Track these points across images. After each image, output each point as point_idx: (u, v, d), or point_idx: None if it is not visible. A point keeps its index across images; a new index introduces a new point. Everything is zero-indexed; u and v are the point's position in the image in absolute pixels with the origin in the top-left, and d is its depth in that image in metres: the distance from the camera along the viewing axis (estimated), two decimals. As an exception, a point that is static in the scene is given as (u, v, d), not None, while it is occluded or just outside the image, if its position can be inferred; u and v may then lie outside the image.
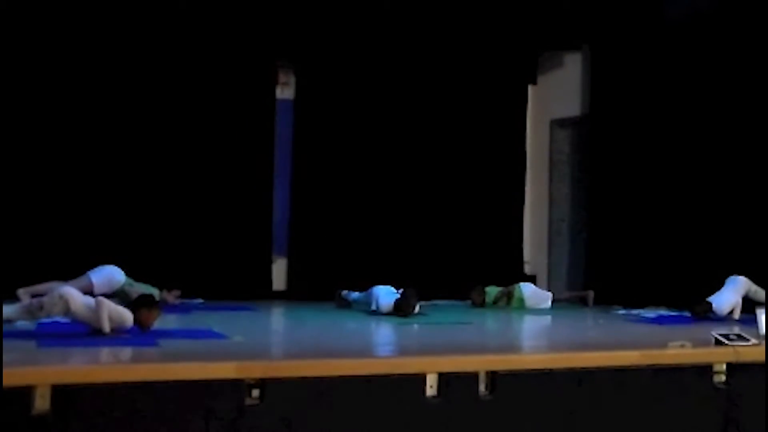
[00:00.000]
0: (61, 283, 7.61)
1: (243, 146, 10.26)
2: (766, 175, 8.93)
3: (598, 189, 10.77)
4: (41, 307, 5.99)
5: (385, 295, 8.54)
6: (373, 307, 8.54)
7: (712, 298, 8.39)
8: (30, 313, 6.01)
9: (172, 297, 8.95)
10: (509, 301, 9.87)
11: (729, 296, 8.42)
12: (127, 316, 6.09)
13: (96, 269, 8.40)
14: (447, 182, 11.07)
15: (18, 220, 9.04)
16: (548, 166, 11.68)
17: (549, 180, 11.67)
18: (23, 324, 6.53)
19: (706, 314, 8.29)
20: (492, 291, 9.94)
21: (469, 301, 9.92)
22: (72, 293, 6.06)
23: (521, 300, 9.85)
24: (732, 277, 8.56)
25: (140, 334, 6.13)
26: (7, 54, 8.93)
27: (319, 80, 10.70)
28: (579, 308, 9.91)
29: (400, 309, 8.29)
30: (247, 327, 7.37)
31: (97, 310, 5.96)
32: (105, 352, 5.46)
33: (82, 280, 8.14)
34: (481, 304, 9.85)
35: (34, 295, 7.44)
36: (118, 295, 7.93)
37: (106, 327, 5.92)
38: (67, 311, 6.02)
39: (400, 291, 8.50)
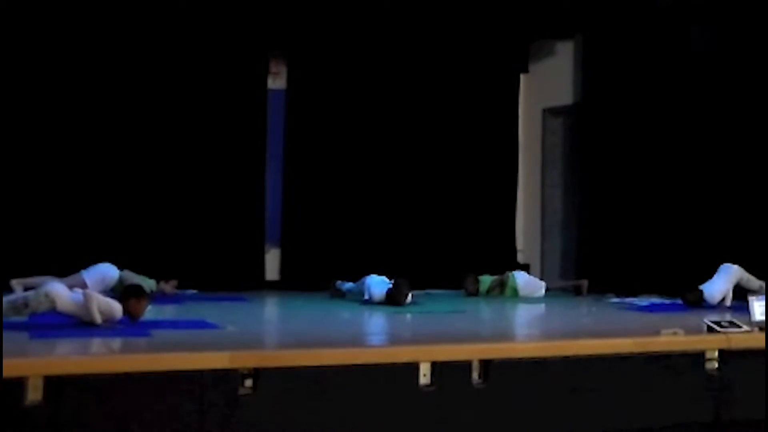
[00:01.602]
0: (55, 278, 7.58)
1: (235, 137, 10.24)
2: (757, 163, 8.95)
3: (590, 177, 10.77)
4: (26, 305, 5.94)
5: (378, 284, 8.55)
6: (366, 297, 8.55)
7: (704, 286, 8.41)
8: (15, 309, 5.96)
9: (170, 287, 8.94)
10: (503, 290, 9.88)
11: (721, 284, 8.43)
12: (116, 307, 6.08)
13: (89, 268, 8.36)
14: (440, 172, 11.06)
15: (15, 213, 9.05)
16: (541, 155, 11.67)
17: (542, 169, 11.67)
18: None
19: (698, 302, 8.31)
20: (485, 280, 9.95)
21: (462, 290, 9.92)
22: (58, 290, 6.00)
23: (515, 289, 9.85)
24: (725, 265, 8.56)
25: (132, 325, 6.12)
26: (4, 50, 8.92)
27: (311, 70, 10.67)
28: (572, 297, 9.92)
29: (392, 299, 8.30)
30: (240, 317, 7.37)
31: (85, 303, 5.94)
32: (97, 343, 5.46)
33: (75, 278, 8.11)
34: (475, 292, 9.86)
35: (26, 288, 7.43)
36: (115, 290, 7.90)
37: (98, 319, 5.90)
38: (53, 309, 5.98)
39: (392, 281, 8.50)
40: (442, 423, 5.22)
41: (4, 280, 7.79)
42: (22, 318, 6.01)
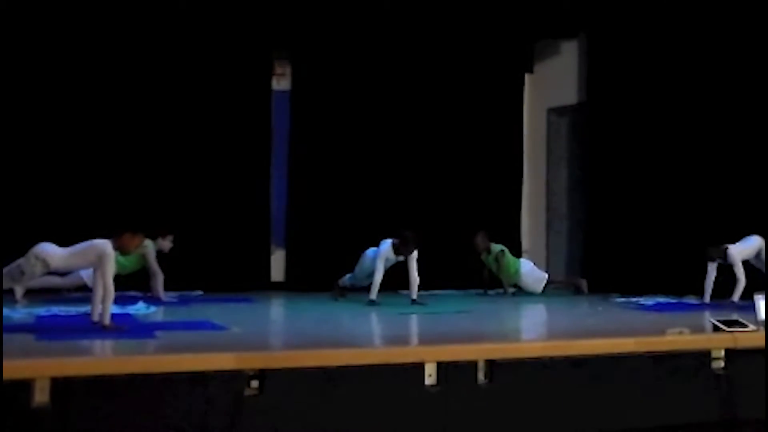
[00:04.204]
0: (57, 277, 7.66)
1: (240, 138, 10.25)
2: (763, 160, 8.93)
3: (595, 176, 10.76)
4: (22, 272, 5.93)
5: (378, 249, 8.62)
6: (370, 255, 8.64)
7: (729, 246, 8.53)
8: (12, 279, 5.96)
9: (167, 243, 8.92)
10: (498, 265, 9.93)
11: (742, 246, 8.52)
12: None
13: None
14: (445, 172, 11.05)
15: (21, 210, 9.10)
16: (546, 155, 11.67)
17: (546, 168, 11.66)
18: (21, 317, 6.53)
19: (721, 258, 8.44)
20: (496, 247, 10.02)
21: (466, 290, 9.95)
22: (48, 250, 5.98)
23: (518, 273, 9.90)
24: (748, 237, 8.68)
25: (139, 328, 6.14)
26: (8, 47, 8.97)
27: (316, 71, 10.68)
28: (577, 296, 9.91)
29: (399, 251, 8.43)
30: (246, 318, 7.38)
31: (102, 303, 5.93)
32: (104, 345, 5.47)
33: (73, 276, 8.13)
34: (487, 249, 9.97)
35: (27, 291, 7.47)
36: None
37: (106, 321, 5.91)
38: (47, 268, 5.97)
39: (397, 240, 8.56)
40: (448, 423, 5.23)
41: None
42: (21, 286, 5.98)
